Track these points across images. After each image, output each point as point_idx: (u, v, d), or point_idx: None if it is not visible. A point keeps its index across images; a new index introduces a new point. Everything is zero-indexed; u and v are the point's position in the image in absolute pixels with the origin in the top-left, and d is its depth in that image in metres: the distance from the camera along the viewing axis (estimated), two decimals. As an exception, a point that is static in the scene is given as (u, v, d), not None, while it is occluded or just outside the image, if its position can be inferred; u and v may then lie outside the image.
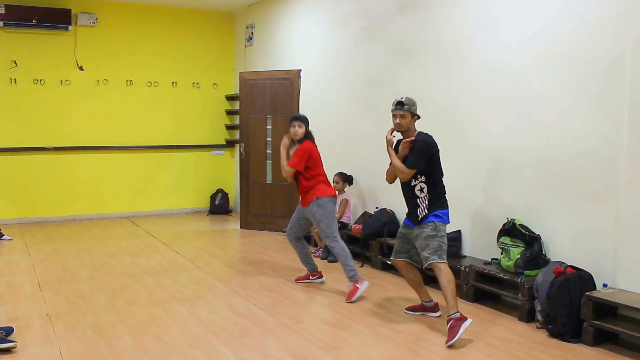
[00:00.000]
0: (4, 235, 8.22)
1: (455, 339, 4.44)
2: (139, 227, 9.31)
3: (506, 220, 5.34)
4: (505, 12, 5.51)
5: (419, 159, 4.79)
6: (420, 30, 6.51)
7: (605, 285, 4.61)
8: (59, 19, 9.28)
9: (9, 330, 4.44)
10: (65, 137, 9.73)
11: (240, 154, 9.16)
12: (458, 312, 4.59)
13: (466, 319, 4.55)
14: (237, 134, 10.44)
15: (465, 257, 5.91)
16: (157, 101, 10.37)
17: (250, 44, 10.27)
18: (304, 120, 5.94)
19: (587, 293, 4.50)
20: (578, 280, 4.61)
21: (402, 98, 4.88)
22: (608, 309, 4.49)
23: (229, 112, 10.91)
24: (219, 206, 10.68)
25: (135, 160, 10.31)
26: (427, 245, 4.76)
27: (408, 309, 5.29)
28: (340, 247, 5.75)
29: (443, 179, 4.96)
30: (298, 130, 5.88)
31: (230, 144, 10.94)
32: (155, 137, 10.40)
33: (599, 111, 4.72)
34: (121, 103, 10.09)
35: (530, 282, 4.94)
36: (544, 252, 5.12)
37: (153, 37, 10.26)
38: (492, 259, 5.55)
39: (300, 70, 8.70)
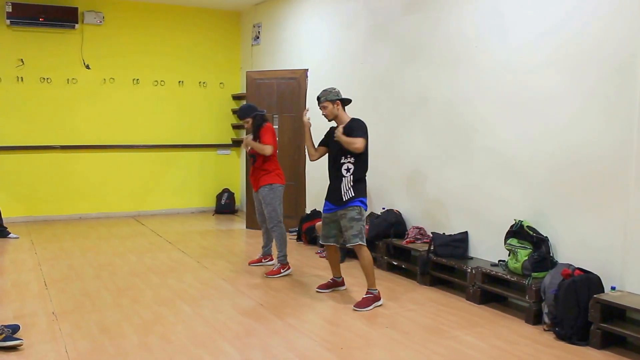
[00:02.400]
0: (10, 233, 8.24)
1: (365, 310, 5.19)
2: (145, 226, 9.31)
3: (514, 222, 5.31)
4: (515, 12, 5.48)
5: (364, 132, 5.29)
6: (429, 30, 6.49)
7: (613, 288, 4.58)
8: (66, 18, 9.30)
9: (15, 328, 4.44)
10: (72, 136, 9.75)
11: (247, 153, 9.14)
12: (376, 289, 5.37)
13: (380, 299, 5.36)
14: (243, 134, 10.42)
15: (472, 258, 5.88)
16: (163, 100, 10.37)
17: (257, 43, 10.27)
18: (248, 114, 6.39)
19: (595, 296, 4.46)
20: (586, 283, 4.58)
21: (319, 93, 5.47)
22: (616, 312, 4.46)
23: (236, 112, 10.90)
24: (225, 206, 10.67)
25: (141, 159, 10.32)
26: (352, 227, 5.30)
27: (320, 287, 5.83)
28: (282, 232, 6.36)
29: None
30: (247, 126, 6.51)
31: (236, 143, 10.93)
32: (161, 136, 10.41)
33: (608, 113, 4.68)
34: (127, 102, 10.10)
35: (537, 284, 4.91)
36: (551, 254, 5.09)
37: (159, 36, 10.26)
38: (500, 261, 5.52)
39: (307, 69, 8.69)
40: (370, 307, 5.26)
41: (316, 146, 5.68)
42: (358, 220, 5.31)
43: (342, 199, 5.35)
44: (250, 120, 6.38)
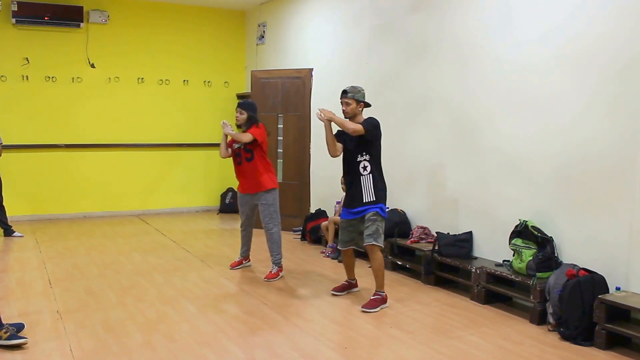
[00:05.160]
0: (15, 232, 8.25)
1: (372, 311, 5.20)
2: (149, 225, 9.32)
3: (518, 222, 5.30)
4: (520, 11, 5.46)
5: (371, 126, 5.27)
6: (434, 29, 6.47)
7: (618, 289, 4.57)
8: (71, 17, 9.31)
9: (19, 327, 4.45)
10: (77, 135, 9.77)
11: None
12: (384, 292, 5.36)
13: (387, 301, 5.35)
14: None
15: (476, 258, 5.87)
16: (168, 99, 10.38)
17: (261, 42, 10.27)
18: (247, 107, 6.27)
19: (599, 296, 4.45)
20: (591, 283, 4.57)
21: (347, 87, 5.40)
22: (621, 313, 4.44)
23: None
24: (229, 205, 10.65)
25: (145, 158, 10.33)
26: (367, 227, 5.27)
27: (335, 290, 5.77)
28: (279, 233, 6.36)
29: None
30: (239, 116, 6.28)
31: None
32: (166, 135, 10.41)
33: (614, 112, 4.67)
34: (132, 101, 10.11)
35: (542, 284, 4.90)
36: (556, 255, 5.07)
37: (164, 34, 10.27)
38: (504, 261, 5.51)
39: (312, 69, 8.68)
40: (378, 308, 5.25)
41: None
42: (374, 221, 5.26)
43: (363, 200, 5.31)
44: (245, 114, 6.22)
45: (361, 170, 5.32)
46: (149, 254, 7.34)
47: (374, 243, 5.24)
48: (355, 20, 7.84)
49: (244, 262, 6.76)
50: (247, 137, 6.10)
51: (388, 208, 6.85)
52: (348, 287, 5.81)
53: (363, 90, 5.43)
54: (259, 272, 6.51)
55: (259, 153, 6.24)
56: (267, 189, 6.24)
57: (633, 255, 4.55)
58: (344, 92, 5.36)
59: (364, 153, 5.31)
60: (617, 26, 4.64)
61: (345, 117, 5.36)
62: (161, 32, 10.24)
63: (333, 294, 5.71)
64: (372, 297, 5.34)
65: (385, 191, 5.43)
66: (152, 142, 10.31)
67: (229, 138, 6.37)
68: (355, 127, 5.20)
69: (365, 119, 5.33)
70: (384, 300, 5.34)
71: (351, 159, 5.38)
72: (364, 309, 5.22)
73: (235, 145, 6.33)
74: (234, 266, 6.70)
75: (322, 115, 5.29)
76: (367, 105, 5.46)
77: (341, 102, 5.37)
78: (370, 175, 5.31)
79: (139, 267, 6.68)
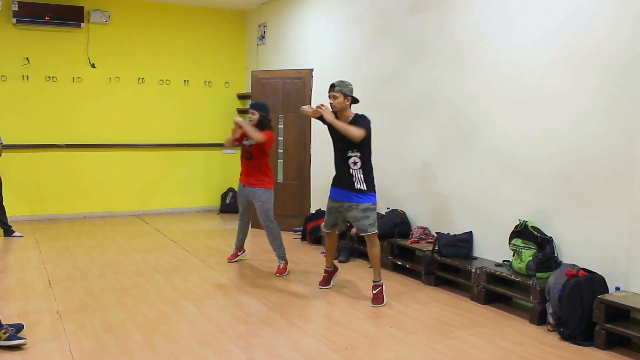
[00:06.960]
0: (14, 232, 8.25)
1: (384, 304, 5.39)
2: (150, 225, 9.32)
3: (518, 222, 5.31)
4: (520, 12, 5.47)
5: (368, 126, 5.37)
6: (434, 30, 6.48)
7: (617, 289, 4.57)
8: (72, 16, 9.31)
9: (19, 327, 4.45)
10: (77, 135, 9.76)
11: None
12: (381, 280, 5.51)
13: (382, 286, 5.51)
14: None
15: (476, 258, 5.87)
16: (168, 99, 10.38)
17: (262, 42, 10.27)
18: (259, 108, 6.47)
19: (599, 296, 4.46)
20: (590, 283, 4.57)
21: (335, 81, 5.49)
22: (620, 313, 4.45)
23: (241, 111, 10.88)
24: (229, 205, 10.65)
25: (146, 158, 10.33)
26: (367, 217, 5.40)
27: (321, 284, 5.97)
28: (277, 227, 6.51)
29: None
30: (252, 117, 6.44)
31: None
32: (166, 136, 10.41)
33: (613, 113, 4.67)
34: (133, 101, 10.11)
35: (542, 284, 4.90)
36: (556, 255, 5.08)
37: (165, 35, 10.27)
38: (504, 261, 5.52)
39: (313, 69, 8.68)
40: (385, 299, 5.44)
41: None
42: (373, 210, 5.44)
43: (355, 186, 5.43)
44: (257, 114, 6.41)
45: (351, 164, 5.46)
46: (149, 254, 7.35)
47: (376, 231, 5.44)
48: (355, 20, 7.84)
49: (239, 254, 7.05)
50: (259, 135, 6.28)
51: (389, 209, 6.91)
52: (330, 276, 5.99)
53: (351, 85, 5.50)
54: (260, 273, 6.51)
55: (262, 156, 6.50)
56: (263, 187, 6.47)
57: (632, 255, 4.55)
58: (332, 86, 5.46)
59: (355, 149, 5.42)
60: (616, 27, 4.64)
61: (333, 111, 5.47)
62: (162, 32, 10.24)
63: (320, 288, 5.90)
64: (375, 292, 5.47)
65: (374, 182, 5.55)
66: (153, 142, 10.31)
67: (237, 134, 6.50)
68: (359, 133, 5.28)
69: (361, 120, 5.43)
70: (383, 289, 5.51)
71: (342, 155, 5.51)
72: (375, 305, 5.38)
73: (247, 143, 6.52)
74: (231, 259, 6.97)
75: (323, 109, 5.42)
76: (355, 101, 5.54)
77: (329, 95, 5.48)
78: (361, 169, 5.45)
79: (139, 267, 6.68)
